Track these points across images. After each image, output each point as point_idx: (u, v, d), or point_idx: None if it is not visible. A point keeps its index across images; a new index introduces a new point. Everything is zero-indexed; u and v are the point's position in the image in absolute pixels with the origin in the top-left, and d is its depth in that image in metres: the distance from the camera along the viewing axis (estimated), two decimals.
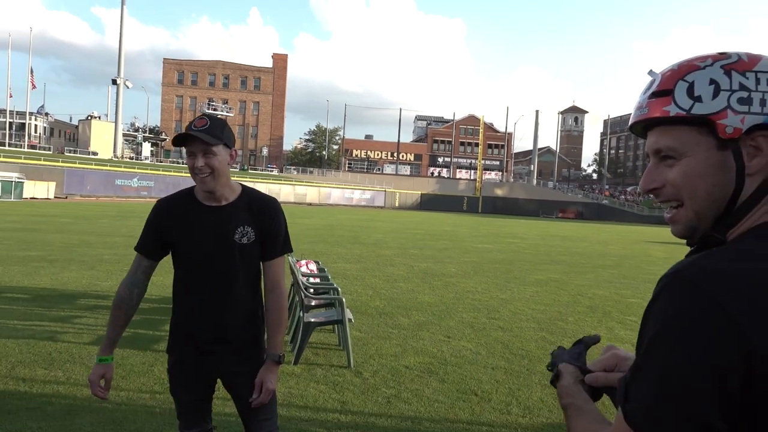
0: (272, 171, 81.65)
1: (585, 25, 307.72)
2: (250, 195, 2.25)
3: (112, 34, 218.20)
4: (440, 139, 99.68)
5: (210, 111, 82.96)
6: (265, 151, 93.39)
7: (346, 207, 69.14)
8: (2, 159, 44.37)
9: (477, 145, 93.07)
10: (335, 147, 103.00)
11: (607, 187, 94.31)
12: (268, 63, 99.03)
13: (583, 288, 10.83)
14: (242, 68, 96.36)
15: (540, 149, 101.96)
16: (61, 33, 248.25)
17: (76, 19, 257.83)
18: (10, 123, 72.88)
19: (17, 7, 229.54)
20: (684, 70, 0.88)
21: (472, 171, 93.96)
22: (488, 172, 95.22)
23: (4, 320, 6.12)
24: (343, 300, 5.20)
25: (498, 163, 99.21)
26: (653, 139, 0.92)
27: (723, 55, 0.87)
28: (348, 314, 5.24)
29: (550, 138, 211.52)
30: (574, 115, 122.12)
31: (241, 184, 2.28)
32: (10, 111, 71.88)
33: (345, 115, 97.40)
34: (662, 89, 0.89)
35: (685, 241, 0.92)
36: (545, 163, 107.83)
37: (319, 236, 20.57)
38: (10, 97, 66.54)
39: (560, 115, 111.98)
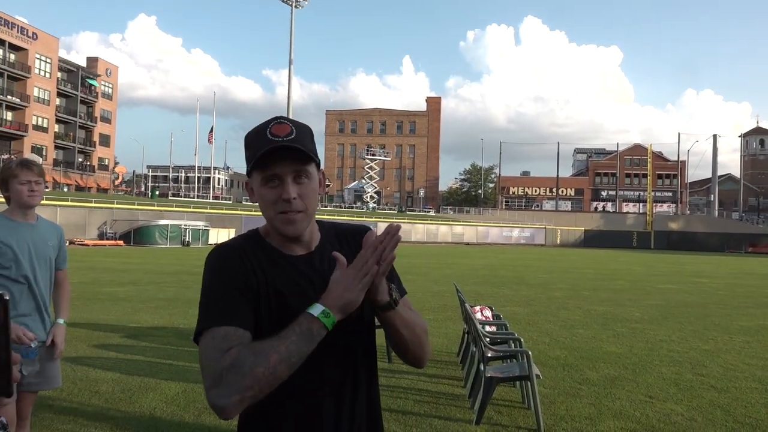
0: (429, 211, 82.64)
1: (758, 40, 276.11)
2: (336, 229, 1.51)
3: (280, 92, 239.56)
4: (603, 172, 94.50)
5: (369, 156, 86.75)
6: (421, 192, 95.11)
7: (505, 246, 67.52)
8: (192, 209, 49.87)
9: (645, 176, 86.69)
10: (491, 185, 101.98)
11: None
12: (422, 106, 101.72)
13: None
14: (397, 114, 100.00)
15: (720, 177, 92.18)
16: (237, 95, 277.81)
17: (249, 81, 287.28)
18: (198, 177, 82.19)
19: (203, 77, 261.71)
20: None
21: (641, 204, 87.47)
22: (659, 204, 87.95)
23: (192, 364, 6.38)
24: (530, 353, 4.65)
25: (670, 194, 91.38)
26: None
27: None
28: (535, 369, 4.67)
29: (730, 164, 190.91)
30: (759, 137, 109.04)
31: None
32: (198, 167, 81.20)
33: (500, 153, 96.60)
34: None
35: None
36: (727, 192, 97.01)
37: (482, 277, 19.97)
38: (195, 155, 75.22)
39: (743, 139, 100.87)
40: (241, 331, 1.25)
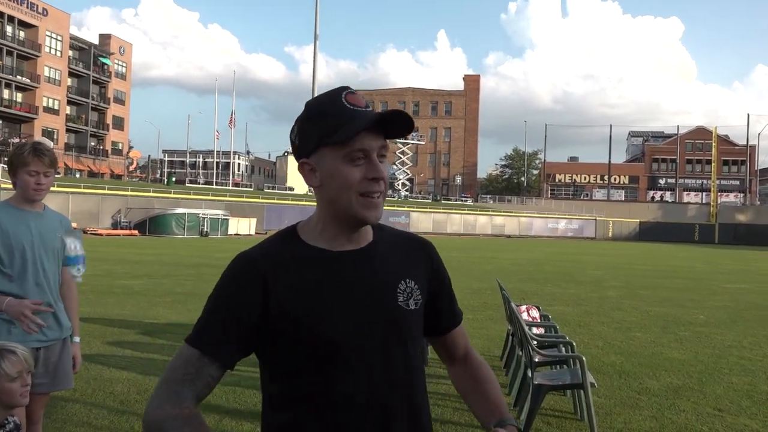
0: (467, 201, 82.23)
1: None
2: (391, 231, 1.45)
3: (304, 70, 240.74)
4: (661, 157, 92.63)
5: (401, 140, 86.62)
6: (458, 179, 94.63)
7: (551, 239, 66.81)
8: (211, 197, 50.54)
9: (709, 162, 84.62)
10: (535, 172, 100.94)
11: None
12: (459, 85, 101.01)
13: None
14: (432, 93, 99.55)
15: None
16: (258, 74, 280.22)
17: (271, 59, 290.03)
18: (217, 163, 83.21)
19: (221, 54, 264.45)
20: None
21: (704, 193, 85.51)
22: (725, 193, 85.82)
23: None
24: (583, 359, 4.55)
25: (738, 182, 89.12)
26: None
27: None
28: (589, 377, 4.57)
29: None
30: None
31: None
32: (216, 151, 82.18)
33: (545, 136, 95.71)
34: None
35: None
36: None
37: (526, 273, 19.80)
38: (217, 138, 76.10)
39: None
40: (207, 363, 1.24)
